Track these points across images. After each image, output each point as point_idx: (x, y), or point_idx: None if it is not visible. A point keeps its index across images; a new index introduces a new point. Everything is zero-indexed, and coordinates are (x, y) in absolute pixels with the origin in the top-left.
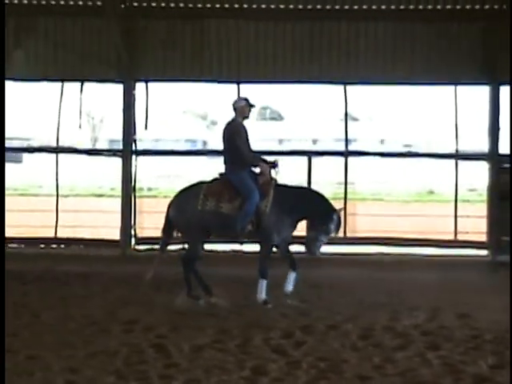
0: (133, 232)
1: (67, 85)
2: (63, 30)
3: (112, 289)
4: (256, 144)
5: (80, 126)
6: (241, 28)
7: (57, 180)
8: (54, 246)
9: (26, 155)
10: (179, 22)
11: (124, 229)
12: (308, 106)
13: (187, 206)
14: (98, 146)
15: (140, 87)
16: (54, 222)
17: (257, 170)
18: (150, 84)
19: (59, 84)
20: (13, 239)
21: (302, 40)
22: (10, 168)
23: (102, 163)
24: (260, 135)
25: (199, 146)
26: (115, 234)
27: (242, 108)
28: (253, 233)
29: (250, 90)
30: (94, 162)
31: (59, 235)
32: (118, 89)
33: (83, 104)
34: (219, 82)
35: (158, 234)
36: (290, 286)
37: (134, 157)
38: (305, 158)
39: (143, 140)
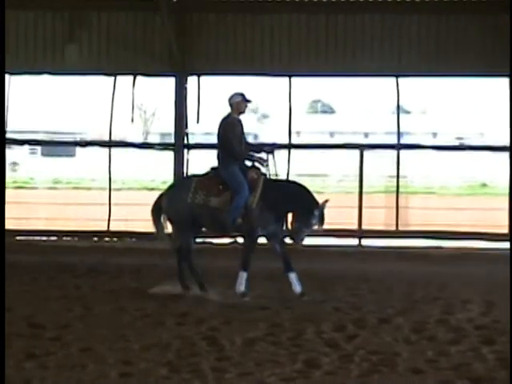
0: None
1: (120, 79)
2: (116, 24)
3: (164, 282)
4: (307, 137)
5: (132, 120)
6: (292, 21)
7: (109, 173)
8: (107, 239)
9: (78, 149)
10: (231, 16)
11: None
12: (360, 99)
13: (179, 199)
14: (150, 140)
15: (192, 81)
16: (107, 215)
17: (249, 163)
18: (201, 78)
19: (112, 78)
20: (66, 232)
21: (353, 32)
22: (63, 162)
23: (154, 157)
24: (311, 128)
25: (250, 140)
26: (168, 227)
27: (238, 104)
28: (242, 227)
29: (301, 84)
30: (145, 156)
31: (112, 228)
32: (170, 82)
33: (135, 98)
34: (271, 75)
35: None
36: (297, 287)
37: (185, 150)
38: (356, 152)
39: (195, 133)
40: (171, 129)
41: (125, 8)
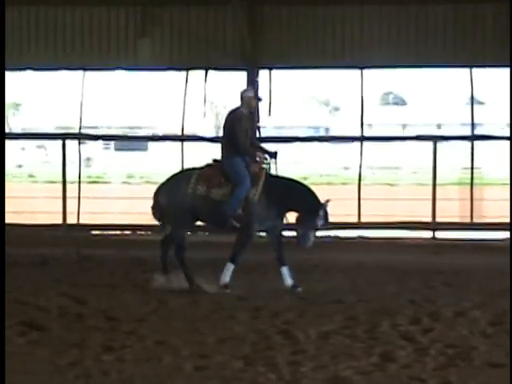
0: None
1: (192, 73)
2: (188, 18)
3: (239, 275)
4: (379, 129)
5: (204, 115)
6: (364, 13)
7: (182, 167)
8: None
9: (151, 143)
10: (303, 9)
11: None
12: (432, 91)
13: (178, 190)
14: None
15: (263, 74)
16: None
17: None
18: (273, 71)
19: (184, 73)
20: (140, 226)
21: (426, 23)
22: (135, 156)
23: None
24: (383, 120)
25: (322, 133)
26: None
27: (249, 99)
28: (242, 219)
29: (373, 76)
30: (217, 150)
31: None
32: (241, 76)
33: (207, 92)
34: (342, 67)
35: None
36: (289, 281)
37: None
38: (430, 144)
39: (266, 127)
40: None
41: (197, 2)
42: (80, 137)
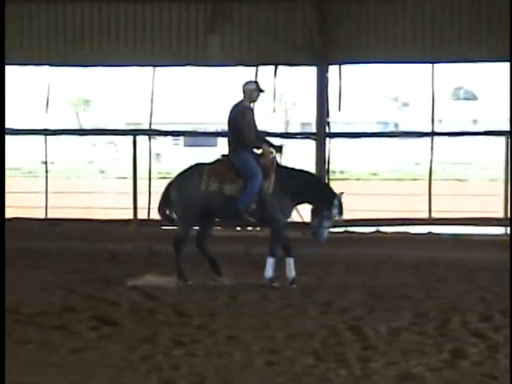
0: None
1: (261, 69)
2: (258, 14)
3: (306, 271)
4: (449, 124)
5: (274, 110)
6: (435, 6)
7: None
8: (250, 228)
9: (220, 139)
10: (372, 3)
11: None
12: (503, 85)
13: (190, 186)
14: (291, 129)
15: (333, 70)
16: None
17: (259, 151)
18: (343, 66)
19: (253, 68)
20: None
21: (498, 16)
22: (205, 152)
23: (295, 146)
24: (454, 115)
25: (391, 128)
26: (308, 217)
27: (251, 91)
28: (257, 213)
29: (443, 70)
30: (286, 145)
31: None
32: (310, 72)
33: (277, 88)
34: (413, 62)
35: (351, 216)
36: (291, 273)
37: (327, 139)
38: (502, 139)
39: (336, 122)
40: (312, 118)
41: None
42: (150, 133)
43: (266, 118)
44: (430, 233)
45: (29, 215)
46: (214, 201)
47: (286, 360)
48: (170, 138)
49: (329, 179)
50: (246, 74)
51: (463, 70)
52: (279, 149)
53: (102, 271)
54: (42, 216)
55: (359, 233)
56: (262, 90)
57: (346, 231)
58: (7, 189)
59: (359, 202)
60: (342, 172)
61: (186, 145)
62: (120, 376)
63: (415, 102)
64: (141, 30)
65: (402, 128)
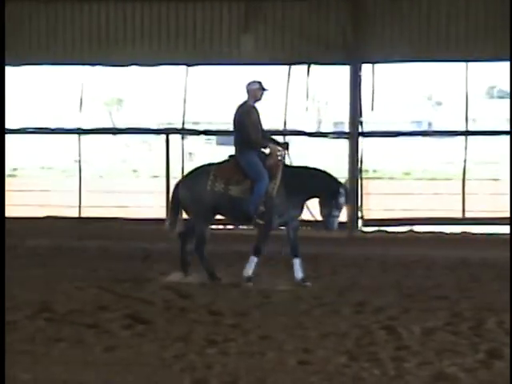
0: (359, 214)
1: (294, 68)
2: (291, 13)
3: (340, 270)
4: (483, 123)
5: (306, 109)
6: (469, 4)
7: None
8: (282, 227)
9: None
10: (406, 2)
11: (351, 210)
12: None
13: (197, 187)
14: (323, 129)
15: (366, 69)
16: None
17: (266, 150)
18: (376, 65)
19: (286, 67)
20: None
21: None
22: None
23: (328, 145)
24: (488, 114)
25: (424, 127)
26: (341, 216)
27: (255, 91)
28: (264, 214)
29: (477, 69)
30: (319, 145)
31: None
32: (343, 71)
33: (309, 87)
34: (447, 61)
35: (385, 215)
36: (299, 274)
37: (360, 138)
38: None
39: (369, 122)
40: (344, 117)
41: None
42: (183, 132)
43: (298, 117)
44: (463, 232)
45: (62, 214)
46: (221, 202)
47: (319, 359)
48: (202, 136)
49: (361, 178)
50: (278, 73)
51: (497, 69)
52: (286, 147)
53: (135, 270)
54: (76, 215)
55: (393, 232)
56: (265, 89)
57: (379, 231)
58: (40, 187)
59: (393, 202)
60: (374, 171)
61: (218, 143)
62: (153, 374)
63: (449, 100)
64: (174, 29)
65: (436, 127)
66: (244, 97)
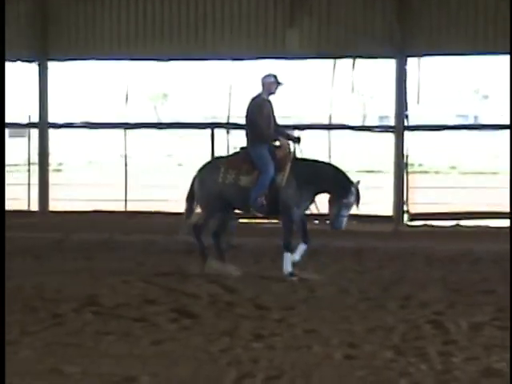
0: (405, 208)
1: (339, 61)
2: (337, 6)
3: (386, 264)
4: None
5: (352, 103)
6: None
7: (329, 157)
8: (328, 221)
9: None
10: None
11: (397, 204)
12: None
13: (209, 179)
14: (368, 123)
15: (412, 62)
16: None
17: (277, 143)
18: (422, 58)
19: (332, 61)
20: None
21: None
22: None
23: (373, 139)
24: None
25: (471, 121)
26: (387, 210)
27: (269, 84)
28: (266, 206)
29: None
30: (364, 139)
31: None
32: (389, 64)
33: (355, 80)
34: (494, 54)
35: (430, 209)
36: (297, 256)
37: (406, 132)
38: None
39: (415, 115)
40: (389, 111)
41: None
42: (228, 126)
43: (343, 111)
44: (510, 226)
45: (108, 208)
46: (231, 192)
47: (366, 354)
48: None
49: (407, 172)
50: (324, 66)
51: None
52: (297, 140)
53: (181, 264)
54: (122, 209)
55: (439, 226)
56: (280, 83)
57: (425, 225)
58: (86, 182)
59: (438, 196)
60: (420, 165)
61: None
62: (200, 368)
63: (496, 94)
64: (220, 23)
65: (482, 121)
66: (281, 90)
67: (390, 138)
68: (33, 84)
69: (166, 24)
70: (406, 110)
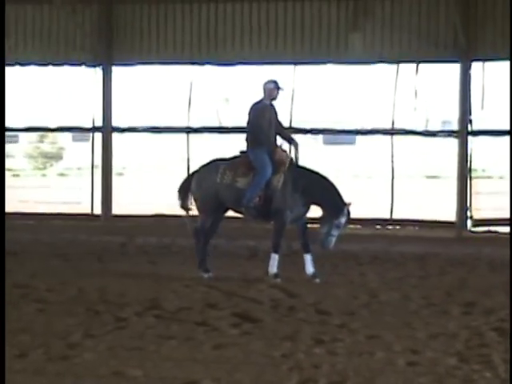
0: (469, 213)
1: (403, 66)
2: (400, 11)
3: (449, 270)
4: None
5: (415, 108)
6: None
7: (392, 162)
8: (390, 227)
9: (359, 137)
10: None
11: (460, 210)
12: None
13: (207, 180)
14: (431, 128)
15: (476, 67)
16: (389, 203)
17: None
18: (486, 63)
19: (395, 66)
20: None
21: None
22: (344, 149)
23: (436, 144)
24: None
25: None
26: (450, 216)
27: (271, 90)
28: (260, 208)
29: None
30: (427, 144)
31: (395, 216)
32: (452, 69)
33: (418, 85)
34: None
35: (494, 215)
36: (310, 268)
37: (469, 137)
38: None
39: (479, 120)
40: (452, 116)
41: None
42: (290, 131)
43: (406, 115)
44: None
45: (171, 212)
46: (228, 193)
47: (428, 360)
48: (308, 135)
49: (471, 178)
50: (387, 71)
51: None
52: (295, 145)
53: (243, 268)
54: (184, 213)
55: (503, 233)
56: (280, 88)
57: (489, 231)
58: (149, 186)
59: (502, 202)
60: (483, 170)
61: (325, 143)
62: (261, 373)
63: None
64: (282, 28)
65: None
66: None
67: (454, 143)
68: (97, 88)
69: (229, 29)
70: (470, 114)
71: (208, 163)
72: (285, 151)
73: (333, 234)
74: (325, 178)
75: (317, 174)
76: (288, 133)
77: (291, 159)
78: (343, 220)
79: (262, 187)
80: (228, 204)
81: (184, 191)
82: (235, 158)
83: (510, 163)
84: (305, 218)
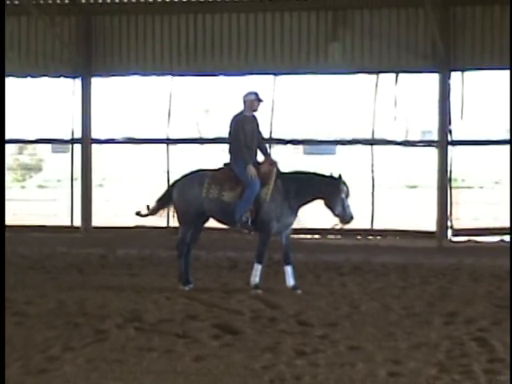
0: (449, 223)
1: (382, 76)
2: (379, 21)
3: (430, 280)
4: None
5: (395, 118)
6: None
7: (372, 172)
8: (371, 237)
9: (339, 147)
10: (497, 8)
11: (440, 220)
12: None
13: (191, 192)
14: (411, 138)
15: (456, 76)
16: (370, 213)
17: (259, 159)
18: (465, 73)
19: (374, 76)
20: (329, 230)
21: None
22: (324, 159)
23: (416, 154)
24: None
25: None
26: (431, 226)
27: (251, 102)
28: (252, 222)
29: None
30: (407, 154)
31: (375, 226)
32: (431, 79)
33: (397, 95)
34: None
35: (474, 225)
36: (291, 281)
37: (449, 147)
38: None
39: (458, 130)
40: (432, 126)
41: (388, 5)
42: (270, 141)
43: (386, 126)
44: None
45: (151, 224)
46: (214, 207)
47: (410, 371)
48: (289, 146)
49: (451, 187)
50: (366, 81)
51: None
52: (274, 164)
53: (224, 280)
54: (164, 224)
55: (483, 242)
56: (261, 100)
57: (469, 240)
58: (129, 197)
59: (483, 211)
60: (463, 180)
61: (305, 153)
62: None
63: None
64: (262, 39)
65: None
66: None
67: (434, 153)
68: (76, 100)
69: (209, 40)
70: (450, 124)
71: (190, 174)
72: (273, 162)
73: (347, 205)
74: (309, 173)
75: (301, 173)
76: (266, 147)
77: (278, 170)
78: (345, 188)
79: (251, 201)
80: (214, 216)
81: (164, 201)
82: (218, 170)
83: (510, 171)
84: (290, 229)
